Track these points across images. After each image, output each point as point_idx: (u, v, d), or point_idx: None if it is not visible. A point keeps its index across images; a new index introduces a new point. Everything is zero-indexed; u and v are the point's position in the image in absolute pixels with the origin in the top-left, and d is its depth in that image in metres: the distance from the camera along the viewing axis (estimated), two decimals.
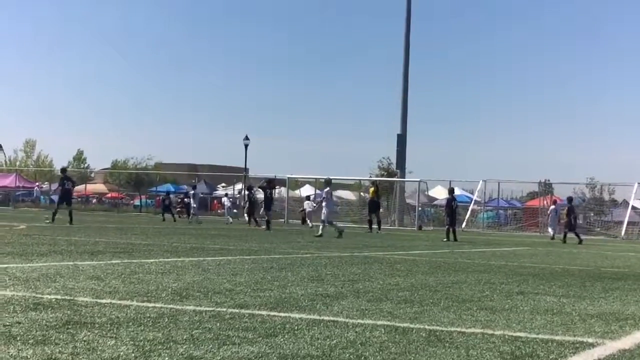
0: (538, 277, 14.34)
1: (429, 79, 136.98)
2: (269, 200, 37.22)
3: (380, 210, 43.50)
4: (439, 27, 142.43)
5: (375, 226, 39.79)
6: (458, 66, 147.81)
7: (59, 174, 36.67)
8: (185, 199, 53.74)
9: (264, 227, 36.24)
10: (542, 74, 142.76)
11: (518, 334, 7.40)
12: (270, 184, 38.87)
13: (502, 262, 18.83)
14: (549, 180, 59.14)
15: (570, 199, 39.79)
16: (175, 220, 45.15)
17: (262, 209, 38.65)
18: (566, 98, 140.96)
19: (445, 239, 31.14)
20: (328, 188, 31.44)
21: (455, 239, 31.17)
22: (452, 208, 32.91)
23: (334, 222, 30.87)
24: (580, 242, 35.51)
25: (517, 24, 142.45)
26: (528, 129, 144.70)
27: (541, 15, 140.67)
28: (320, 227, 30.06)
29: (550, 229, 43.25)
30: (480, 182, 58.37)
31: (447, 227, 32.42)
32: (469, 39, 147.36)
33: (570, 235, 37.01)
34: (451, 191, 34.38)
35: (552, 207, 44.87)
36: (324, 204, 30.98)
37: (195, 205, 45.81)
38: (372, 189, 42.44)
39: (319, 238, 27.80)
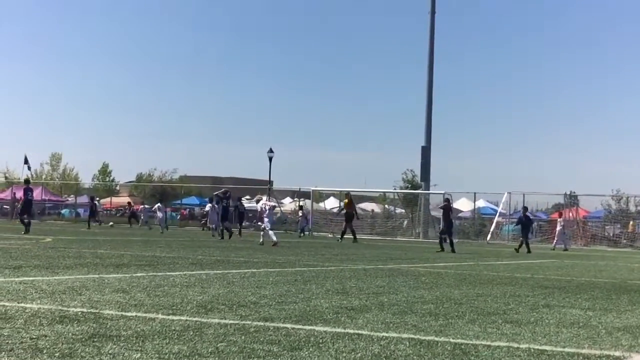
0: (564, 290, 14.26)
1: (453, 90, 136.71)
2: (225, 211, 38.72)
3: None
4: (462, 38, 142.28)
5: (350, 236, 41.01)
6: (482, 77, 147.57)
7: (24, 184, 37.53)
8: (137, 207, 61.52)
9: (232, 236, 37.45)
10: (568, 84, 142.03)
11: (544, 347, 7.37)
12: (225, 194, 40.54)
13: (527, 274, 18.74)
14: (574, 192, 58.78)
15: (525, 209, 39.37)
16: (89, 228, 45.91)
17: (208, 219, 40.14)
18: (592, 108, 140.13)
19: (439, 250, 31.02)
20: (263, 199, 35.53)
21: (453, 250, 30.81)
22: (448, 217, 32.82)
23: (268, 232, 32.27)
24: (529, 251, 34.46)
25: (537, 34, 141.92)
26: (553, 140, 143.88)
27: (563, 26, 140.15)
28: (262, 234, 32.23)
29: (562, 242, 44.70)
30: (505, 194, 58.14)
31: (439, 235, 32.36)
32: (493, 52, 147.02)
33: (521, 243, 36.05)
34: (447, 200, 34.50)
35: (560, 219, 46.83)
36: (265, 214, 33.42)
37: (160, 216, 49.83)
38: (346, 200, 43.38)
39: (260, 246, 29.45)
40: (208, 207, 40.18)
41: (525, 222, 36.72)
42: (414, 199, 62.12)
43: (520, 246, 35.88)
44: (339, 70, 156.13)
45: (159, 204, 51.41)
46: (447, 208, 32.95)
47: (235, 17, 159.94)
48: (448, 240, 31.75)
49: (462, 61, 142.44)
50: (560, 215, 47.83)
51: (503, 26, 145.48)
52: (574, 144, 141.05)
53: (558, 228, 45.48)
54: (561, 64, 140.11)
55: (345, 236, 42.32)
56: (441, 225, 33.47)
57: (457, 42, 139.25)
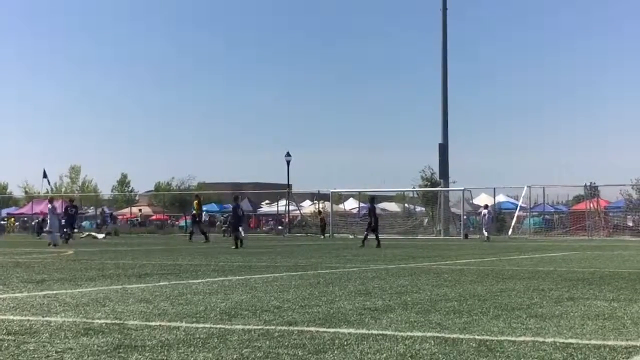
0: (587, 282, 14.20)
1: (469, 86, 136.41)
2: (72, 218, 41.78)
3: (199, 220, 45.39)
4: (476, 32, 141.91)
5: (201, 236, 41.93)
6: (498, 72, 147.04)
7: None
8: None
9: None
10: (584, 75, 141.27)
11: (569, 340, 7.34)
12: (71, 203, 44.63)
13: (550, 267, 18.67)
14: (594, 183, 58.51)
15: (372, 199, 37.47)
16: None
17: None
18: (608, 99, 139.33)
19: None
20: (52, 205, 39.03)
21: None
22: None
23: (54, 234, 36.61)
24: (379, 245, 32.18)
25: (549, 27, 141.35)
26: (571, 132, 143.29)
27: (569, 18, 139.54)
28: (49, 237, 36.83)
29: (484, 231, 46.93)
30: (525, 187, 58.00)
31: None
32: (507, 45, 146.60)
33: (372, 236, 33.93)
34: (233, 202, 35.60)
35: (485, 210, 48.79)
36: (49, 217, 38.20)
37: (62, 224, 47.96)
38: (195, 202, 44.24)
39: (55, 248, 32.88)
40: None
41: (369, 213, 34.65)
42: (434, 196, 62.06)
43: (365, 239, 33.85)
44: (353, 70, 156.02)
45: (104, 208, 47.31)
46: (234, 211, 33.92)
47: (248, 22, 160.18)
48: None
49: (476, 56, 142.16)
50: (485, 207, 49.90)
51: (516, 18, 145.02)
52: (592, 135, 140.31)
53: (486, 218, 47.52)
54: (575, 55, 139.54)
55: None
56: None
57: (471, 37, 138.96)
